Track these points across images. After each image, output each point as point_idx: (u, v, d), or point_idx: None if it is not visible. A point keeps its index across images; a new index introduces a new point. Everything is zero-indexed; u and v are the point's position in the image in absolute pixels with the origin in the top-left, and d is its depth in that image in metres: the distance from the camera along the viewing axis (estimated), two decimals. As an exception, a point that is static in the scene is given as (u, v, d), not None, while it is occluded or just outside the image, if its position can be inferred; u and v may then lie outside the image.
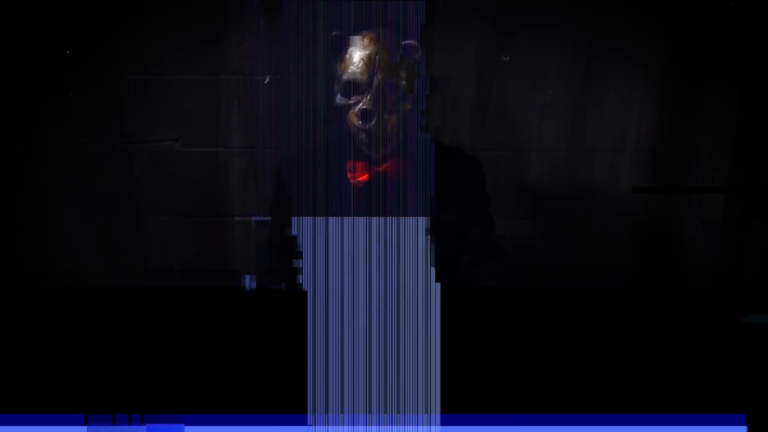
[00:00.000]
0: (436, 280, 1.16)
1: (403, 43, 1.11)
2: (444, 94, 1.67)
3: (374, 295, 1.22)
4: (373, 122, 1.10)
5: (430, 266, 1.15)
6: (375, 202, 1.20)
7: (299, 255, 1.27)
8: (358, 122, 1.11)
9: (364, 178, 1.17)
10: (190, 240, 1.77)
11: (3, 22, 1.57)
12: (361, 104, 1.10)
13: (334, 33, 1.13)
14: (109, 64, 1.62)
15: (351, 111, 1.12)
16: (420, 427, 0.92)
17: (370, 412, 0.92)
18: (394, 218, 1.20)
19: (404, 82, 1.11)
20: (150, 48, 1.62)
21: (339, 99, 1.14)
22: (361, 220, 1.19)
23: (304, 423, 0.96)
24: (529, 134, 1.71)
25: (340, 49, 1.13)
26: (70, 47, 1.59)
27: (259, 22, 1.61)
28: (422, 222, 1.12)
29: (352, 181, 1.18)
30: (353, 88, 1.11)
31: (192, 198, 1.74)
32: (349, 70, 1.11)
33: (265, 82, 1.65)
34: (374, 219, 1.20)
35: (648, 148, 1.72)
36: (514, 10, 1.62)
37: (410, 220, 1.14)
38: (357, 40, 1.12)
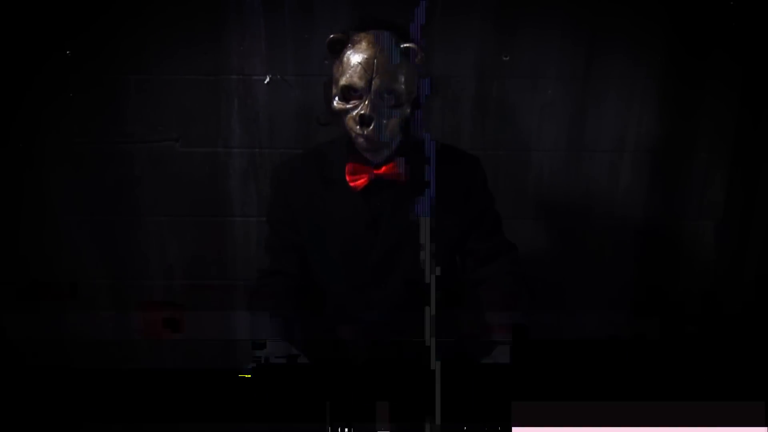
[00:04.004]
0: (439, 281, 1.16)
1: (403, 45, 1.08)
2: (444, 94, 1.67)
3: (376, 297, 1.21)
4: (371, 127, 1.07)
5: (433, 266, 1.14)
6: (375, 203, 1.19)
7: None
8: (356, 127, 1.09)
9: (363, 181, 1.16)
10: (190, 240, 1.77)
11: (3, 22, 1.57)
12: (359, 109, 1.08)
13: (331, 36, 1.11)
14: (109, 64, 1.62)
15: (349, 116, 1.10)
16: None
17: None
18: (395, 219, 1.19)
19: (403, 86, 1.08)
20: (150, 48, 1.62)
21: (337, 103, 1.11)
22: (361, 222, 1.19)
23: None
24: (529, 134, 1.71)
25: (338, 51, 1.10)
26: (70, 47, 1.59)
27: (259, 22, 1.61)
28: (424, 223, 1.11)
29: (351, 185, 1.16)
30: (351, 92, 1.09)
31: (192, 198, 1.74)
32: (347, 75, 1.07)
33: (265, 82, 1.65)
34: (375, 220, 1.19)
35: (648, 148, 1.72)
36: (514, 10, 1.62)
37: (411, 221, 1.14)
38: (355, 42, 1.09)
